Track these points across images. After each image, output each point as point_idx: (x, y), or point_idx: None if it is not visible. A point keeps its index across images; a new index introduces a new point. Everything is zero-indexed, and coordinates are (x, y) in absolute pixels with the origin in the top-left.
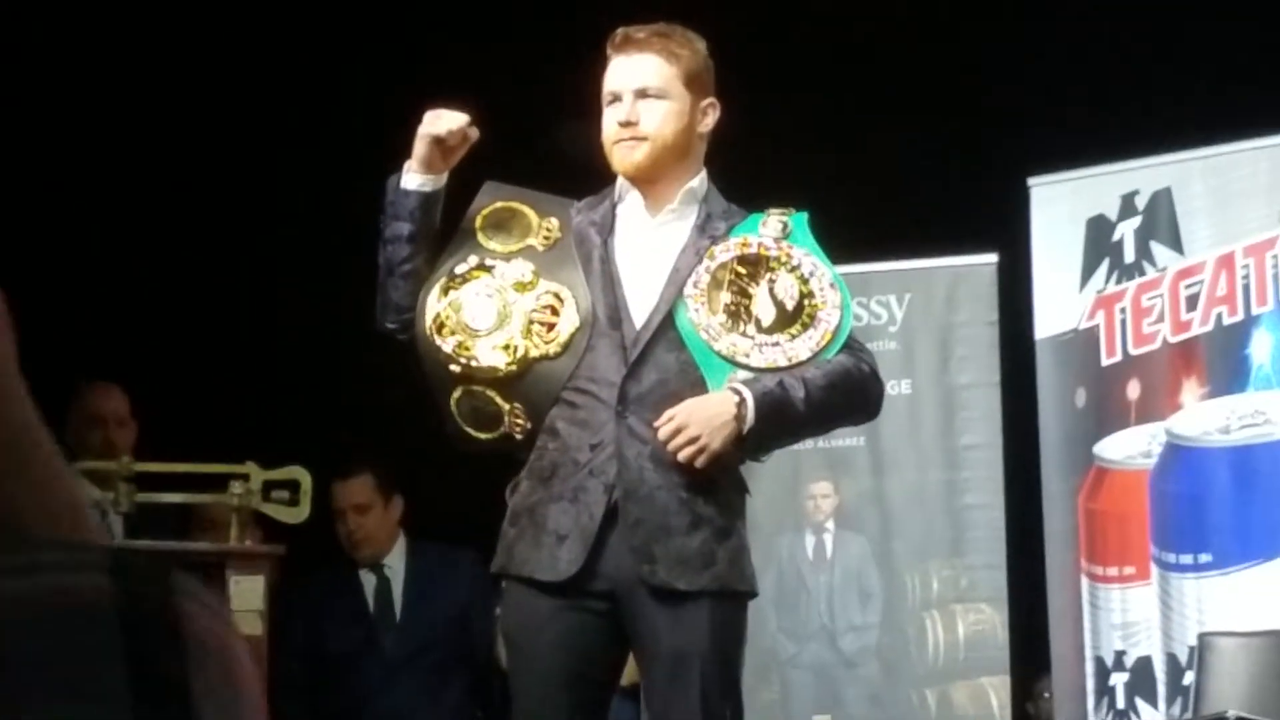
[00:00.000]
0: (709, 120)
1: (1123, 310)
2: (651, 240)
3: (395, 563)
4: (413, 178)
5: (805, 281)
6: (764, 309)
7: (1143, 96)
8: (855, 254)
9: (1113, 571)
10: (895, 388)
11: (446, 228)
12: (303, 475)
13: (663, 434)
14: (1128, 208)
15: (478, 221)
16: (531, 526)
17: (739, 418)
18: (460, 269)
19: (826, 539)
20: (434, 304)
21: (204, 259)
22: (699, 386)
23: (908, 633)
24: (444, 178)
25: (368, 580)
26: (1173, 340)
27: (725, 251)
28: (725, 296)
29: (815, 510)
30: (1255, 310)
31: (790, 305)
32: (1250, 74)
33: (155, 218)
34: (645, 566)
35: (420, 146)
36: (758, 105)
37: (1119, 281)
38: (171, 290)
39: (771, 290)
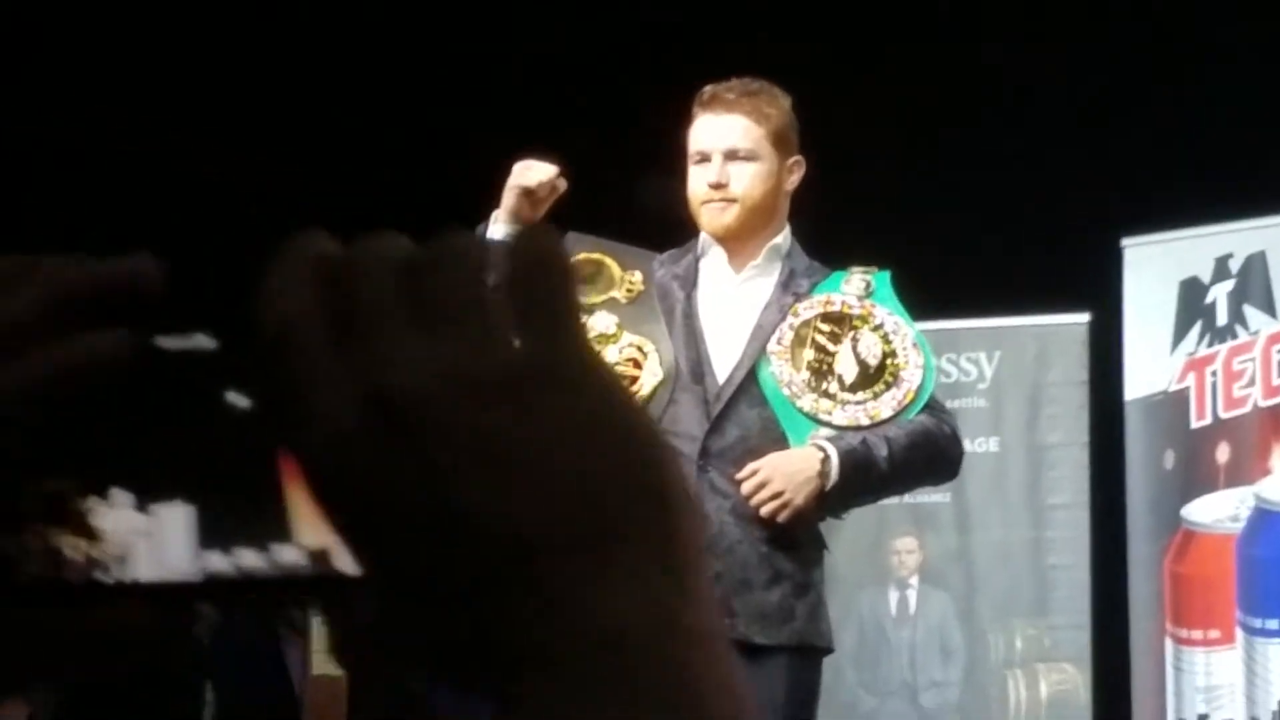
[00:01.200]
0: (795, 178)
1: (1214, 373)
2: (735, 296)
3: None
4: (500, 228)
5: (888, 340)
6: (847, 367)
7: (1238, 159)
8: (947, 311)
9: (1197, 635)
10: (983, 445)
11: None
12: None
13: (746, 488)
14: (1221, 270)
15: None
16: None
17: (823, 474)
18: None
19: (910, 594)
20: None
21: None
22: (780, 443)
23: (990, 691)
24: None
25: None
26: (1264, 404)
27: (809, 309)
28: (808, 354)
29: (899, 565)
30: None
31: (873, 364)
32: None
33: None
34: (725, 620)
35: (509, 198)
36: (848, 161)
37: (1210, 344)
38: None
39: (855, 348)
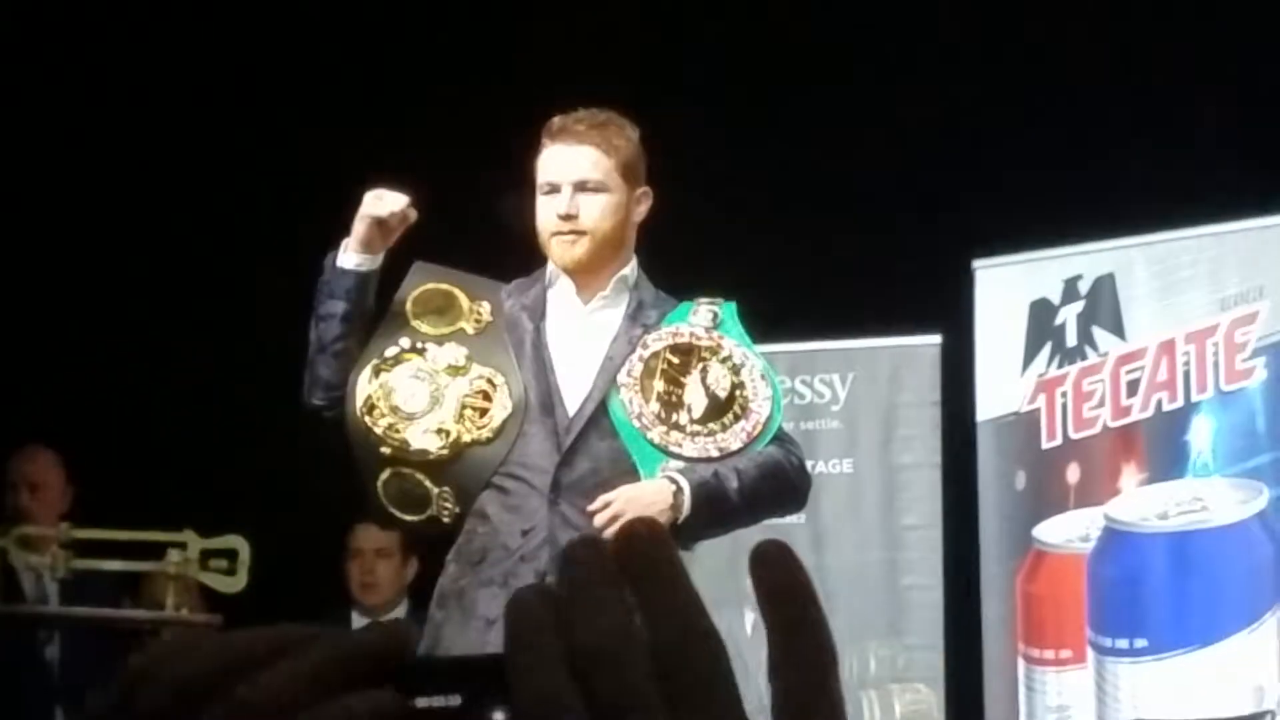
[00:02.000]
0: (642, 209)
1: (1064, 394)
2: (584, 327)
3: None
4: (350, 257)
5: (736, 372)
6: (696, 399)
7: (1088, 181)
8: (799, 333)
9: (1049, 654)
10: (837, 466)
11: (377, 307)
12: (241, 545)
13: (599, 520)
14: (1071, 292)
15: (409, 304)
16: (459, 610)
17: (675, 506)
18: (391, 351)
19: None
20: (365, 386)
21: (148, 324)
22: (632, 475)
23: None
24: (380, 257)
25: None
26: (1113, 425)
27: (657, 340)
28: (658, 385)
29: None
30: (1195, 397)
31: (722, 395)
32: (1196, 162)
33: (99, 280)
34: None
35: (360, 226)
36: (697, 188)
37: (1060, 365)
38: (114, 354)
39: (704, 380)
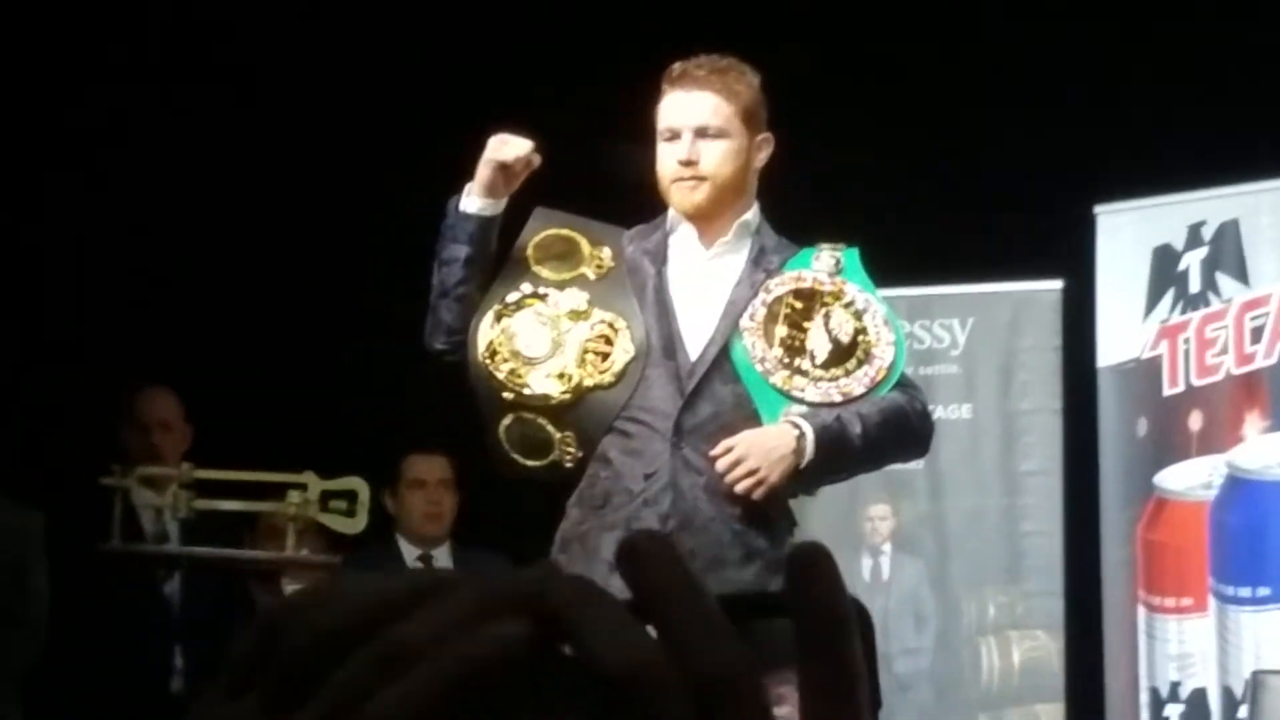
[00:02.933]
0: (763, 155)
1: (1186, 341)
2: (706, 272)
3: (441, 556)
4: (473, 201)
5: (859, 317)
6: (819, 344)
7: (1212, 127)
8: (919, 278)
9: (1170, 603)
10: (956, 411)
11: (499, 252)
12: (361, 486)
13: (721, 465)
14: (1194, 238)
15: (529, 249)
16: (583, 554)
17: (798, 451)
18: (513, 296)
19: (883, 561)
20: (486, 331)
21: (271, 267)
22: (753, 420)
23: (962, 658)
24: (503, 202)
25: (415, 569)
26: (1236, 372)
27: (780, 285)
28: (780, 330)
29: (873, 532)
30: None
31: (845, 341)
32: None
33: (222, 224)
34: None
35: (484, 171)
36: (820, 133)
37: (1183, 312)
38: (237, 298)
39: (826, 325)
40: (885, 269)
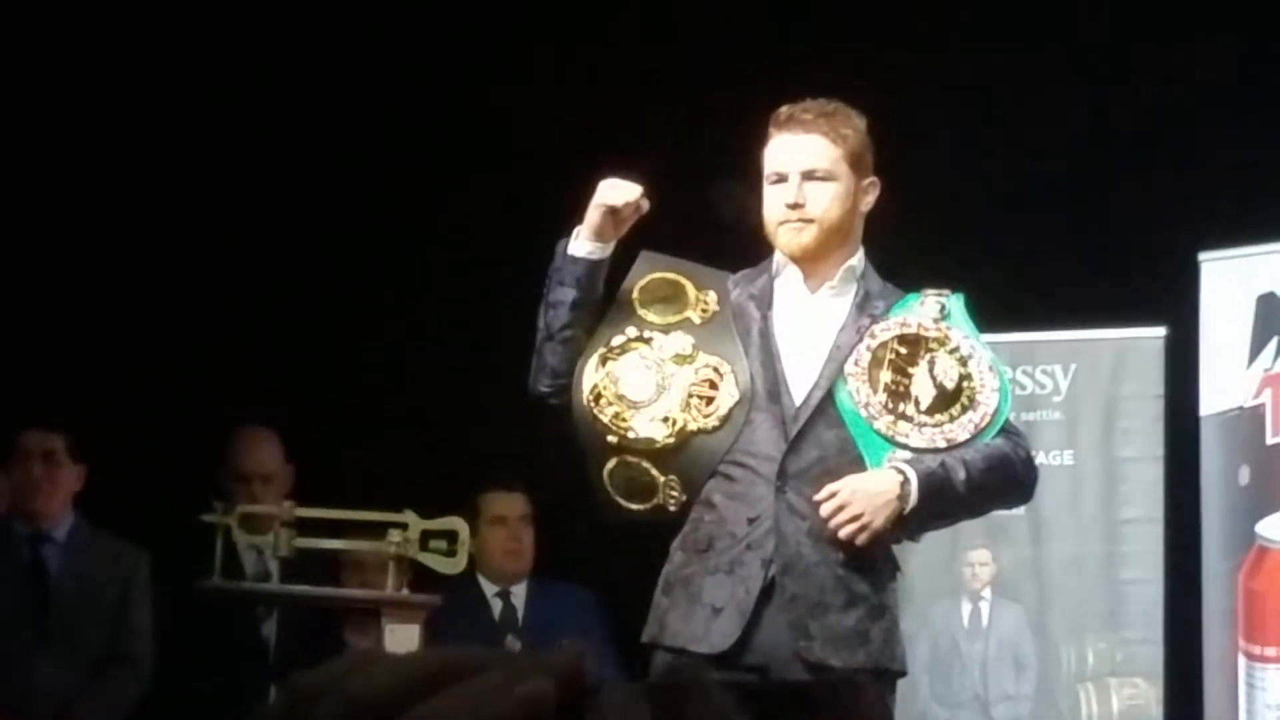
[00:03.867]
0: (870, 199)
1: None
2: (811, 316)
3: (520, 592)
4: (582, 244)
5: (964, 363)
6: (923, 389)
7: None
8: (1023, 323)
9: (1271, 652)
10: (1057, 458)
11: (605, 296)
12: (461, 526)
13: (825, 509)
14: None
15: (635, 293)
16: (685, 598)
17: (902, 497)
18: (618, 340)
19: (983, 607)
20: (591, 374)
21: (372, 305)
22: (857, 464)
23: (1061, 705)
24: (611, 246)
25: (495, 605)
26: None
27: (885, 330)
28: (885, 375)
29: (973, 578)
30: None
31: (949, 386)
32: None
33: (316, 265)
34: (802, 642)
35: (594, 215)
36: (923, 180)
37: None
38: (337, 338)
39: (931, 371)
40: (989, 314)
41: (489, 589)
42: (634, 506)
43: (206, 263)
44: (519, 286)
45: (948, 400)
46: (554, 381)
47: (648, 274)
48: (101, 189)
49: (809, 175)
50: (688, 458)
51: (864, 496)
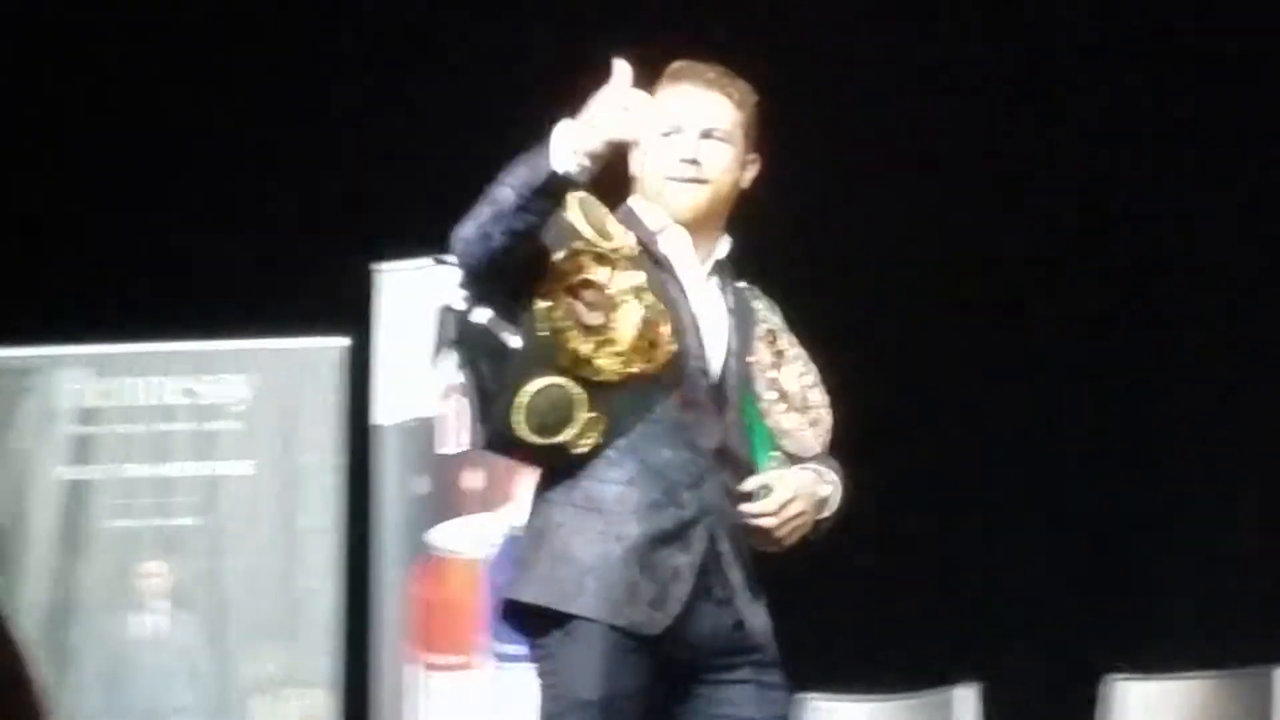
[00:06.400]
0: (748, 175)
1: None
2: (709, 292)
3: None
4: (573, 161)
5: (806, 372)
6: (792, 391)
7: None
8: (203, 331)
9: (445, 660)
10: (237, 468)
11: None
12: None
13: (770, 504)
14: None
15: (573, 203)
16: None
17: (827, 507)
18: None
19: (158, 619)
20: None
21: None
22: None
23: (235, 715)
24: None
25: None
26: None
27: (763, 322)
28: (770, 372)
29: (147, 589)
30: None
31: (795, 392)
32: None
33: None
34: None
35: (595, 141)
36: None
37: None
38: None
39: (794, 374)
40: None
41: None
42: (536, 440)
43: None
44: None
45: (802, 408)
46: (512, 238)
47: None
48: None
49: (707, 134)
50: (624, 400)
51: (806, 498)
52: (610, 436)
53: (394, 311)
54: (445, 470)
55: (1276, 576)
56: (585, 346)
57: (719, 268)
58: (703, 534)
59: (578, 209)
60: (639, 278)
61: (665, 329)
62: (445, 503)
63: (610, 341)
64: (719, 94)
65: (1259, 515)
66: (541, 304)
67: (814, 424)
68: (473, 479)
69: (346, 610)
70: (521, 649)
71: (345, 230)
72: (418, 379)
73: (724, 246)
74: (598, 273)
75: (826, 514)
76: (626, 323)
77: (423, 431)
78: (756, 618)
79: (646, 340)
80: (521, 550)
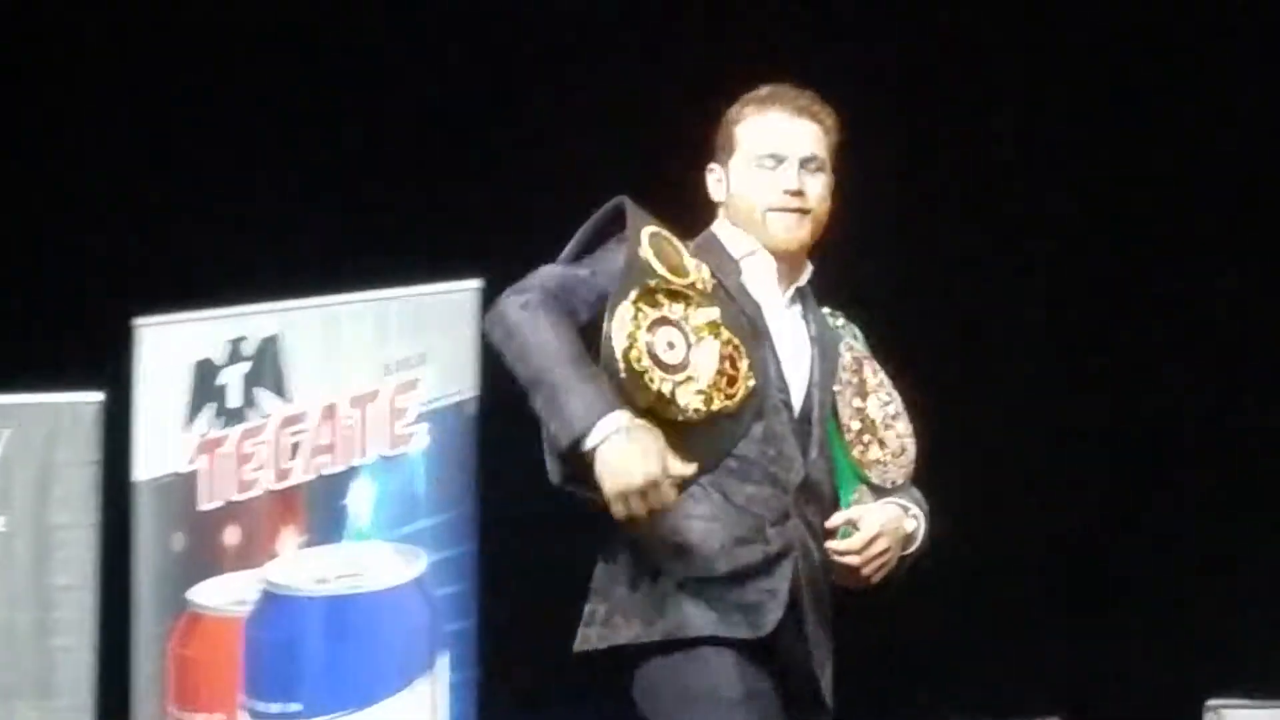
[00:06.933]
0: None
1: (226, 456)
2: (788, 318)
3: None
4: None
5: (890, 401)
6: (880, 423)
7: (256, 242)
8: None
9: (200, 718)
10: None
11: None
12: None
13: (855, 542)
14: (235, 353)
15: (644, 241)
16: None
17: (913, 542)
18: (650, 284)
19: None
20: (626, 321)
21: None
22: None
23: None
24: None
25: None
26: (274, 488)
27: (847, 350)
28: (856, 401)
29: None
30: (357, 461)
31: (879, 422)
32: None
33: None
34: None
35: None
36: None
37: (224, 426)
38: None
39: (880, 404)
40: None
41: None
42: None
43: None
44: None
45: (886, 439)
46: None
47: (645, 225)
48: None
49: (806, 163)
50: (707, 440)
51: (891, 534)
52: (689, 480)
53: (153, 366)
54: (204, 526)
55: None
56: (666, 386)
57: (800, 294)
58: (787, 570)
59: (648, 246)
60: (714, 313)
61: (744, 363)
62: (204, 559)
63: (691, 380)
64: (811, 122)
65: None
66: (619, 346)
67: (898, 455)
68: (232, 535)
69: (104, 668)
70: (279, 707)
71: (106, 283)
72: (175, 434)
73: (806, 273)
74: (673, 310)
75: (912, 549)
76: (706, 359)
77: (179, 487)
78: (824, 675)
79: (726, 376)
80: (603, 592)
